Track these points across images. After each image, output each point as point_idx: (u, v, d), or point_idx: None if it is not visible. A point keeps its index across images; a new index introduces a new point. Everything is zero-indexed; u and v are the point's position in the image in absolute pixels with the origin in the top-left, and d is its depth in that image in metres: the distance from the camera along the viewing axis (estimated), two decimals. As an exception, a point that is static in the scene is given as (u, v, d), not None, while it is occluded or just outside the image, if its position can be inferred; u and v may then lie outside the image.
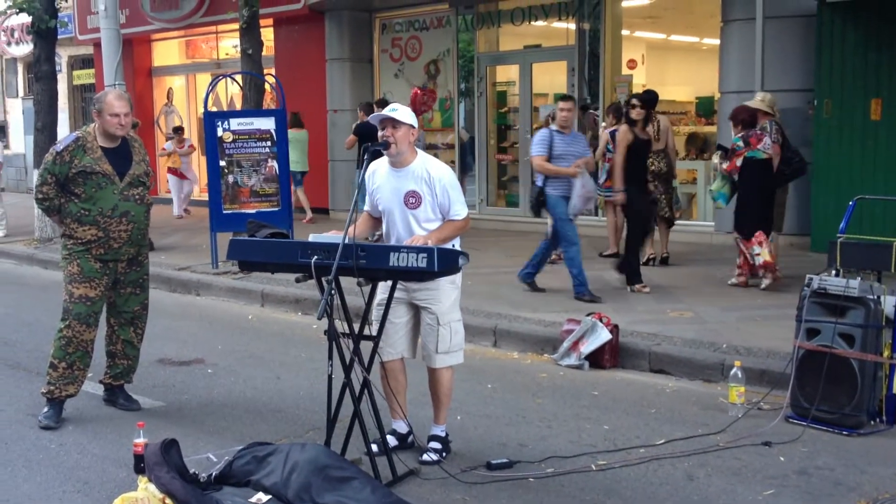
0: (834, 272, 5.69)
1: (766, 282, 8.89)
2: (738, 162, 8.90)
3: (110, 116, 5.64)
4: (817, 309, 5.60)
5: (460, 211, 4.99)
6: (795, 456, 5.05)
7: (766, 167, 8.90)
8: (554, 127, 8.76)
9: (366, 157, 4.87)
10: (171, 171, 17.12)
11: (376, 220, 5.18)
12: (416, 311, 5.07)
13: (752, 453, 5.09)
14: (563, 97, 9.31)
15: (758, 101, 9.30)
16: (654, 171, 10.35)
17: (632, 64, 14.37)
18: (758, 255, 8.80)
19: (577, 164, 8.61)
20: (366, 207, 5.18)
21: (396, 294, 4.83)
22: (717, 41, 12.34)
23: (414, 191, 4.93)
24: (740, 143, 8.97)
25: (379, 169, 5.08)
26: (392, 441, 4.98)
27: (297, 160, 14.63)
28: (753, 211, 8.91)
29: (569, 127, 8.78)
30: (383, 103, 13.72)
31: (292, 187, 14.15)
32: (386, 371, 4.99)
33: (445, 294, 4.98)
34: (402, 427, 5.13)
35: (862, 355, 5.38)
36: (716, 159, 9.42)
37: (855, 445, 5.22)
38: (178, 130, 17.49)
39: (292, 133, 14.54)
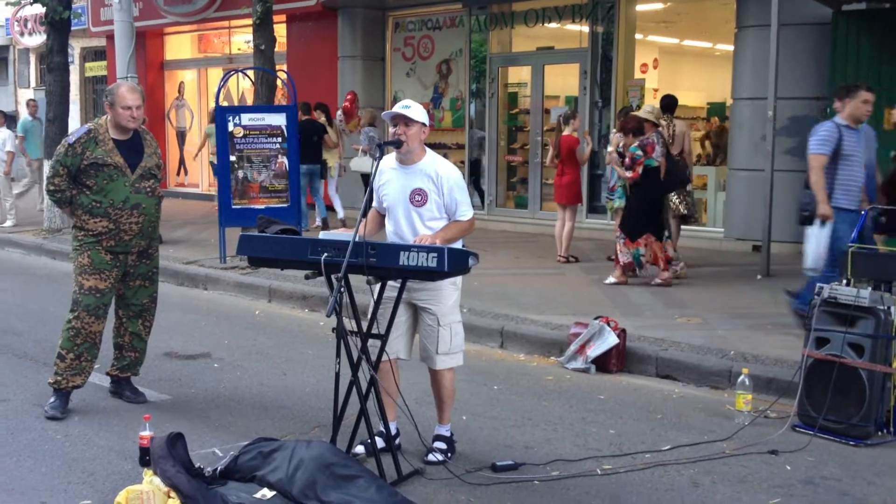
0: (844, 281, 5.66)
1: (663, 276, 9.38)
2: (640, 170, 9.28)
3: (122, 109, 5.64)
4: (827, 318, 5.57)
5: (466, 212, 4.97)
6: (802, 465, 5.03)
7: (658, 174, 9.41)
8: (842, 120, 6.92)
9: (376, 154, 4.87)
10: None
11: (384, 217, 5.16)
12: (414, 311, 5.04)
13: (758, 461, 5.07)
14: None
15: (647, 112, 9.79)
16: None
17: (644, 68, 14.37)
18: (642, 255, 9.34)
19: (862, 203, 6.91)
20: (373, 204, 5.16)
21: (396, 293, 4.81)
22: (730, 47, 12.31)
23: (420, 188, 4.92)
24: (639, 152, 9.31)
25: (387, 165, 5.06)
26: (380, 443, 4.89)
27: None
28: (646, 215, 9.40)
29: (861, 121, 7.02)
30: (321, 107, 13.97)
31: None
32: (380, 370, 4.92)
33: (446, 295, 4.96)
34: (391, 428, 5.06)
35: (871, 366, 5.36)
36: (610, 148, 9.89)
37: (862, 456, 5.19)
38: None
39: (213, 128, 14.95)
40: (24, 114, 17.26)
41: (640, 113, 9.83)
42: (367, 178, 14.62)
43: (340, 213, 14.20)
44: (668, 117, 10.71)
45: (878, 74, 10.51)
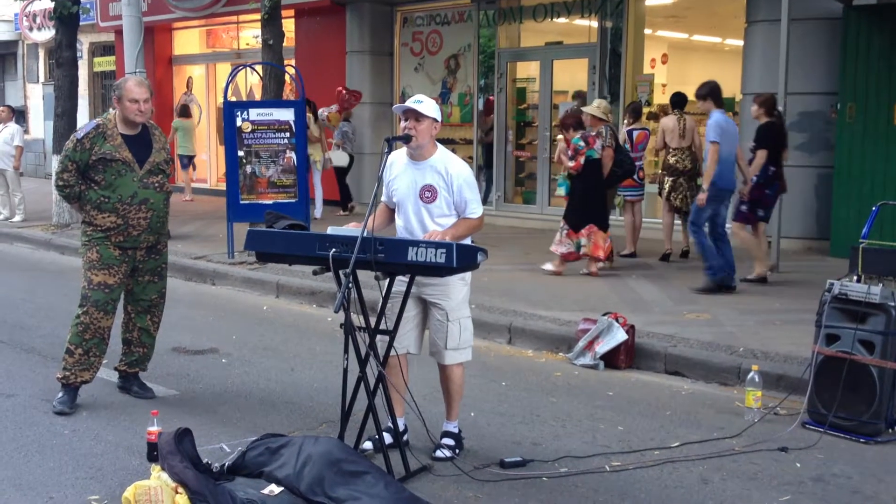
0: (855, 278, 5.63)
1: (592, 268, 9.70)
2: (582, 160, 9.56)
3: (130, 102, 5.63)
4: (837, 315, 5.54)
5: (476, 209, 4.95)
6: (812, 462, 5.00)
7: (599, 167, 9.73)
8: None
9: (385, 149, 4.85)
10: None
11: (393, 212, 5.14)
12: (423, 306, 5.03)
13: (767, 459, 5.05)
14: None
15: (594, 107, 10.10)
16: (679, 168, 10.59)
17: (665, 58, 14.43)
18: (584, 245, 9.57)
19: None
20: (382, 199, 5.14)
21: (405, 288, 4.80)
22: (740, 42, 12.26)
23: (431, 185, 4.90)
24: (581, 143, 9.57)
25: (397, 161, 5.04)
26: (388, 439, 4.88)
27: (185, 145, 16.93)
28: (588, 206, 9.66)
29: None
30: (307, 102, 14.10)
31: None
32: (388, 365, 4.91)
33: (455, 290, 4.95)
34: (399, 424, 5.04)
35: (882, 363, 5.32)
36: (562, 144, 10.09)
37: (872, 453, 5.17)
38: None
39: (180, 121, 14.99)
40: None
41: (587, 108, 10.15)
42: (339, 171, 15.01)
43: (318, 211, 14.33)
44: (679, 113, 10.73)
45: (889, 70, 10.45)
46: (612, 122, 10.18)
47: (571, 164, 9.61)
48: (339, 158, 14.97)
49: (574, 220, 9.63)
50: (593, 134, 9.74)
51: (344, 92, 15.13)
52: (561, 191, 10.53)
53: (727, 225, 9.13)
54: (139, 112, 5.67)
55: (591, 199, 9.68)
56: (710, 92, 8.87)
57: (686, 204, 10.56)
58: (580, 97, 13.65)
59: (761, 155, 9.16)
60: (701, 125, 10.54)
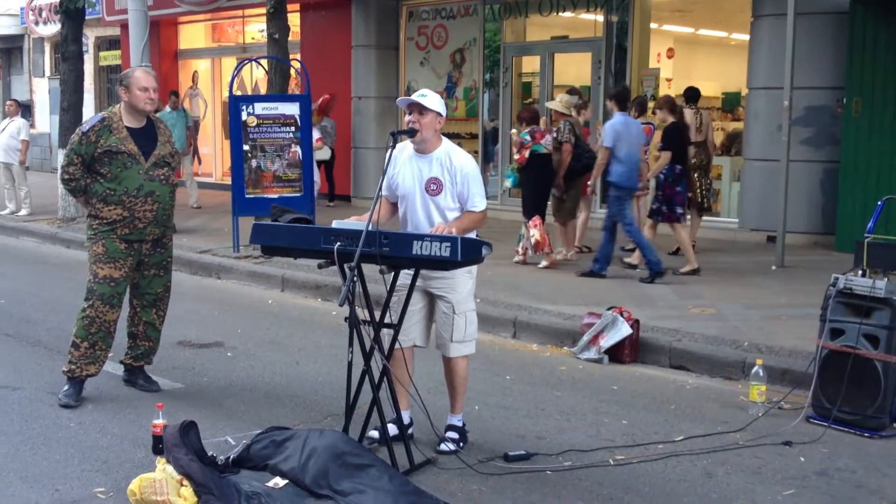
0: (860, 272, 5.62)
1: (543, 262, 9.87)
2: (527, 154, 9.82)
3: (139, 91, 5.64)
4: (842, 309, 5.54)
5: (479, 203, 4.95)
6: (816, 457, 5.01)
7: (546, 161, 9.90)
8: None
9: (390, 143, 4.85)
10: None
11: (394, 206, 5.13)
12: (430, 298, 5.04)
13: (772, 453, 5.05)
14: None
15: (556, 102, 10.29)
16: (695, 163, 10.58)
17: (671, 53, 14.45)
18: (533, 236, 9.79)
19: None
20: (384, 193, 5.12)
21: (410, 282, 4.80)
22: (746, 36, 12.22)
23: (436, 178, 4.90)
24: (527, 138, 9.85)
25: (401, 154, 5.03)
26: (393, 430, 4.89)
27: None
28: (535, 198, 9.93)
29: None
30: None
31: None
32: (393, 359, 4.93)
33: (461, 283, 4.95)
34: (404, 417, 5.05)
35: (886, 357, 5.32)
36: (513, 131, 10.46)
37: (877, 448, 5.16)
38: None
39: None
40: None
41: (550, 104, 10.38)
42: (324, 165, 15.15)
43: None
44: (695, 107, 10.73)
45: (896, 64, 10.44)
46: (575, 117, 10.34)
47: (517, 157, 10.01)
48: (322, 154, 14.95)
49: (523, 211, 9.95)
50: (542, 129, 10.02)
51: (329, 98, 15.22)
52: (507, 182, 11.04)
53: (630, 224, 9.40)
54: (149, 100, 5.69)
55: (537, 192, 9.93)
56: (615, 94, 9.47)
57: (702, 197, 10.60)
58: (576, 93, 13.66)
59: (665, 156, 9.55)
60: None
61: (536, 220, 9.77)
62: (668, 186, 9.58)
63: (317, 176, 12.80)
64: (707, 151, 10.79)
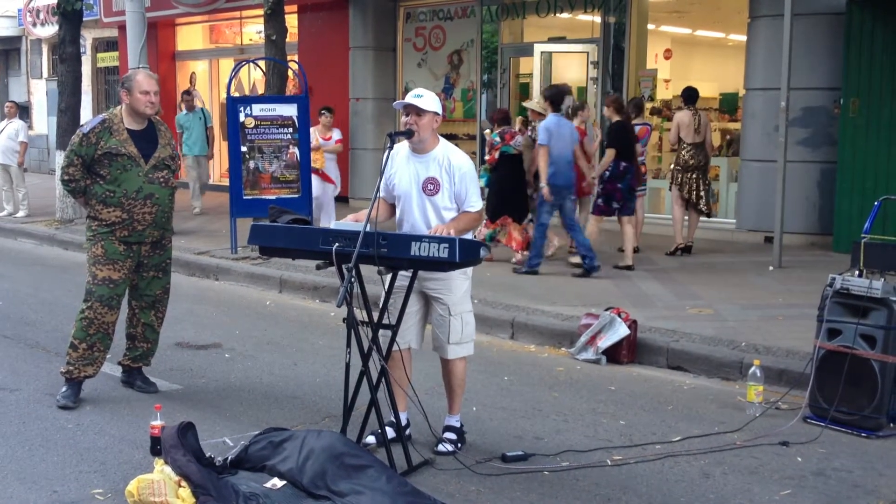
0: (857, 273, 5.63)
1: (517, 257, 9.98)
2: (496, 155, 10.12)
3: (140, 94, 5.65)
4: (839, 309, 5.54)
5: (476, 203, 4.96)
6: (813, 457, 5.02)
7: (517, 161, 10.16)
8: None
9: (387, 143, 4.86)
10: (311, 170, 12.16)
11: (391, 207, 5.13)
12: (425, 300, 5.04)
13: (769, 453, 5.06)
14: None
15: (534, 102, 10.43)
16: (693, 163, 10.70)
17: (668, 53, 14.45)
18: (494, 236, 10.00)
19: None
20: (381, 194, 5.12)
21: (408, 283, 4.81)
22: (743, 37, 12.24)
23: (433, 177, 4.91)
24: (497, 139, 10.10)
25: (398, 154, 5.04)
26: (390, 432, 4.89)
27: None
28: (504, 198, 10.09)
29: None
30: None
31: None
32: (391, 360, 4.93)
33: (457, 285, 4.96)
34: (402, 418, 5.05)
35: (883, 357, 5.33)
36: (487, 132, 10.73)
37: (873, 448, 5.17)
38: (325, 111, 12.63)
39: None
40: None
41: (527, 103, 10.48)
42: None
43: None
44: (693, 108, 10.76)
45: (893, 64, 10.44)
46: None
47: (487, 157, 10.29)
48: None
49: (490, 211, 9.99)
50: (512, 130, 10.29)
51: None
52: (481, 182, 11.12)
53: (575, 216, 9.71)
54: (150, 104, 5.70)
55: (506, 192, 10.09)
56: (549, 95, 9.63)
57: (698, 198, 10.65)
58: (560, 93, 13.71)
59: (610, 153, 9.91)
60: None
61: (505, 219, 9.95)
62: (609, 182, 9.94)
63: (337, 179, 12.77)
64: (705, 152, 10.85)
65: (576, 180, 10.15)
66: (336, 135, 12.61)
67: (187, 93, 15.43)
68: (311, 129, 11.88)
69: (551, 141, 9.29)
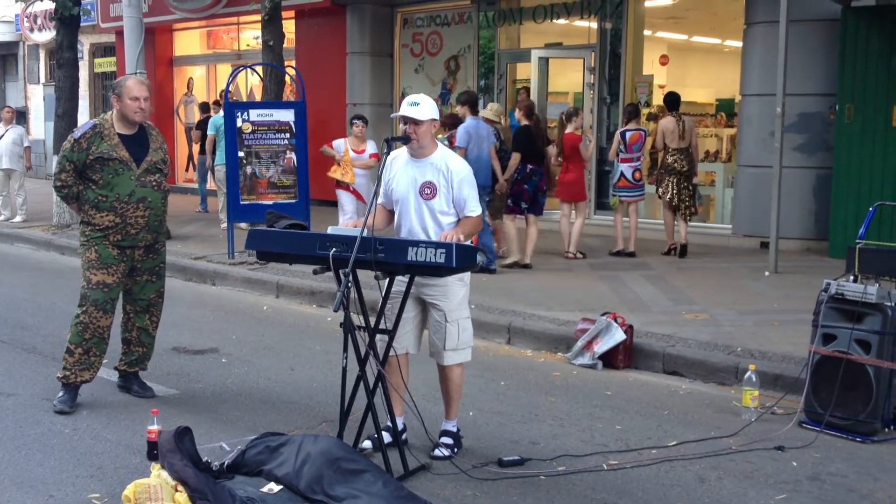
0: (852, 278, 5.66)
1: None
2: None
3: (130, 100, 5.66)
4: (834, 314, 5.56)
5: (475, 208, 4.99)
6: (808, 461, 5.03)
7: None
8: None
9: (385, 149, 4.89)
10: (341, 186, 11.41)
11: (390, 214, 5.15)
12: (423, 306, 5.05)
13: (764, 458, 5.07)
14: None
15: (487, 110, 10.55)
16: (677, 168, 10.82)
17: (664, 59, 14.52)
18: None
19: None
20: (380, 200, 5.15)
21: (405, 288, 4.82)
22: (739, 43, 12.29)
23: (431, 182, 4.93)
24: (445, 142, 10.13)
25: (397, 159, 5.07)
26: (387, 437, 4.90)
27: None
28: None
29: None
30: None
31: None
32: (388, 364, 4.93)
33: (454, 291, 4.96)
34: (399, 423, 5.05)
35: (878, 362, 5.35)
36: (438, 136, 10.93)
37: (868, 452, 5.19)
38: (357, 120, 11.66)
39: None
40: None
41: (483, 112, 10.42)
42: None
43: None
44: (678, 114, 10.81)
45: (888, 71, 10.48)
46: (504, 124, 11.05)
47: None
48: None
49: None
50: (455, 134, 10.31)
51: None
52: None
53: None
54: (139, 110, 5.70)
55: None
56: (467, 100, 10.10)
57: (682, 202, 10.76)
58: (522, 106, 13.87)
59: (515, 157, 10.18)
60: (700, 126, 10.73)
61: None
62: (516, 184, 10.28)
63: (369, 198, 12.42)
64: (690, 157, 10.95)
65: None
66: (371, 147, 11.50)
67: (216, 103, 15.28)
68: (341, 141, 11.43)
69: (470, 143, 9.61)
